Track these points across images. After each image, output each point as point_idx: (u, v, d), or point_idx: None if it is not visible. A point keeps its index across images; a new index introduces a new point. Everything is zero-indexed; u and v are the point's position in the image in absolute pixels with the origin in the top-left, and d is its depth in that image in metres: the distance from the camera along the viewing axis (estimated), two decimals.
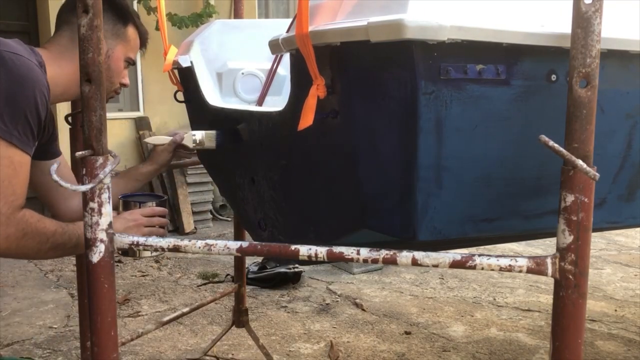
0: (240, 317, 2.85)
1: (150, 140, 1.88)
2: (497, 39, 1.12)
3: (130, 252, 1.48)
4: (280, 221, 1.76)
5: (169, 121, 6.13)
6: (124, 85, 1.61)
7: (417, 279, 4.21)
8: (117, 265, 4.44)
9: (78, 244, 1.33)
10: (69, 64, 1.45)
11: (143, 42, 1.63)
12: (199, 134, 1.84)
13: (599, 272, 4.37)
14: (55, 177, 1.02)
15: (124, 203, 1.55)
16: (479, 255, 0.99)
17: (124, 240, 1.07)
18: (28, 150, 1.27)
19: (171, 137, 1.85)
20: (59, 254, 1.36)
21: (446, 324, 3.40)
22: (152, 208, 1.51)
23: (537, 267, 0.98)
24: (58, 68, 1.44)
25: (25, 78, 1.26)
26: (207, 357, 2.93)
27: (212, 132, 1.85)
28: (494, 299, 3.80)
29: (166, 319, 2.59)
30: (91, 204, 1.04)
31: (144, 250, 1.32)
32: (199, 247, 1.07)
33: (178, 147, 1.85)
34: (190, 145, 1.83)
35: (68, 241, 1.33)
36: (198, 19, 5.65)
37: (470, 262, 0.98)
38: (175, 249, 1.08)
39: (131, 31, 1.55)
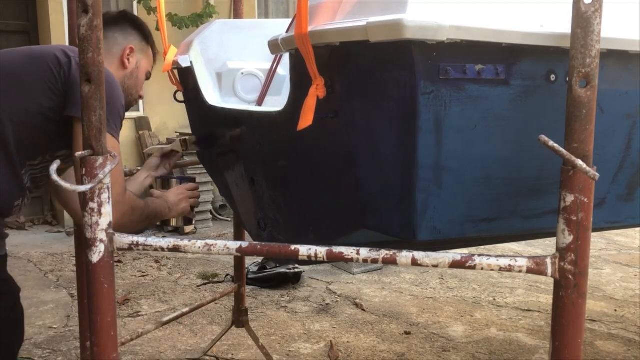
0: (240, 317, 2.85)
1: (148, 149, 2.15)
2: (497, 39, 1.12)
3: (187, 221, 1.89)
4: (280, 221, 1.76)
5: (169, 121, 6.13)
6: (141, 97, 1.84)
7: (417, 279, 4.21)
8: (117, 265, 4.44)
9: (157, 215, 1.69)
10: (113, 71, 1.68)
11: (155, 61, 1.89)
12: (184, 138, 2.13)
13: (599, 272, 4.37)
14: (54, 177, 1.02)
15: (162, 181, 1.88)
16: (479, 255, 0.99)
17: (123, 240, 1.07)
18: (118, 139, 1.54)
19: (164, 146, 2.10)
20: (147, 225, 1.72)
21: (446, 324, 3.40)
22: (192, 184, 1.84)
23: (537, 267, 0.98)
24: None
25: (113, 81, 1.53)
26: (207, 357, 2.93)
27: (193, 137, 2.17)
28: (494, 299, 3.80)
29: (166, 319, 2.59)
30: (91, 204, 1.04)
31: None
32: (199, 247, 1.07)
33: (166, 153, 2.07)
34: (179, 149, 2.08)
35: (152, 212, 1.66)
36: (198, 19, 5.65)
37: (470, 262, 0.98)
38: (175, 249, 1.08)
39: (151, 50, 1.82)
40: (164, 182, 1.87)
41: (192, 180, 1.89)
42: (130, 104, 1.80)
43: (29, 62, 1.53)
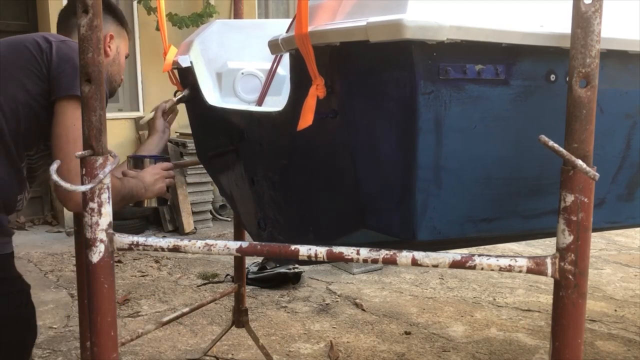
0: (240, 317, 2.85)
1: (144, 120, 2.11)
2: (496, 39, 1.12)
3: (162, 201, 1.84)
4: (280, 221, 1.76)
5: None
6: (122, 80, 1.84)
7: (417, 279, 4.21)
8: (117, 265, 4.44)
9: (133, 196, 1.63)
10: None
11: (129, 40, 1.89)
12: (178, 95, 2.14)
13: (599, 272, 4.37)
14: (55, 177, 1.02)
15: (135, 160, 1.80)
16: (479, 255, 0.99)
17: (123, 240, 1.07)
18: None
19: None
20: (122, 206, 1.63)
21: (446, 324, 3.40)
22: (167, 164, 1.80)
23: (537, 267, 0.98)
24: None
25: None
26: (207, 357, 2.93)
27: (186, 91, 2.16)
28: (494, 299, 3.80)
29: (166, 319, 2.59)
30: (91, 204, 1.04)
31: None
32: (199, 247, 1.07)
33: (165, 112, 2.07)
34: (174, 104, 2.08)
35: (128, 193, 1.60)
36: (198, 19, 5.65)
37: (470, 262, 0.98)
38: (175, 249, 1.08)
39: (125, 32, 1.82)
40: (137, 162, 1.79)
41: (167, 159, 1.85)
42: (114, 90, 1.80)
43: (10, 51, 1.53)
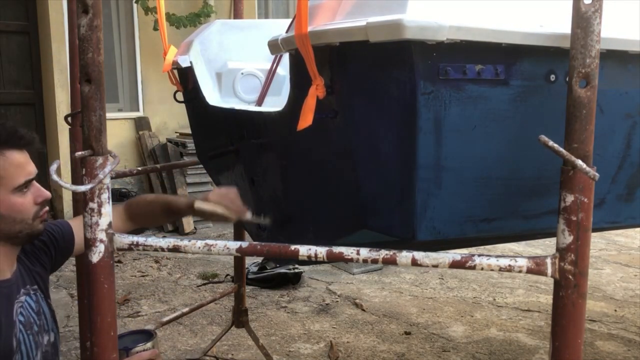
0: (240, 318, 2.85)
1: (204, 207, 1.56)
2: (496, 39, 1.12)
3: None
4: (280, 221, 1.76)
5: (168, 121, 6.13)
6: (44, 200, 1.35)
7: (417, 279, 4.21)
8: (117, 266, 4.43)
9: None
10: None
11: (18, 144, 1.28)
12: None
13: (599, 272, 4.37)
14: (54, 177, 1.02)
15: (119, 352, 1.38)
16: (479, 255, 0.99)
17: (123, 240, 1.07)
18: None
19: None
20: None
21: (446, 324, 3.40)
22: (139, 355, 1.36)
23: (537, 267, 0.98)
24: None
25: None
26: (207, 357, 2.93)
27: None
28: (494, 299, 3.80)
29: (166, 319, 2.60)
30: (91, 204, 1.03)
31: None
32: (199, 247, 1.07)
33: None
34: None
35: None
36: (196, 19, 5.65)
37: (470, 262, 0.98)
38: (175, 249, 1.08)
39: (9, 155, 1.25)
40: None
41: (152, 341, 1.40)
42: (36, 228, 1.34)
43: None
